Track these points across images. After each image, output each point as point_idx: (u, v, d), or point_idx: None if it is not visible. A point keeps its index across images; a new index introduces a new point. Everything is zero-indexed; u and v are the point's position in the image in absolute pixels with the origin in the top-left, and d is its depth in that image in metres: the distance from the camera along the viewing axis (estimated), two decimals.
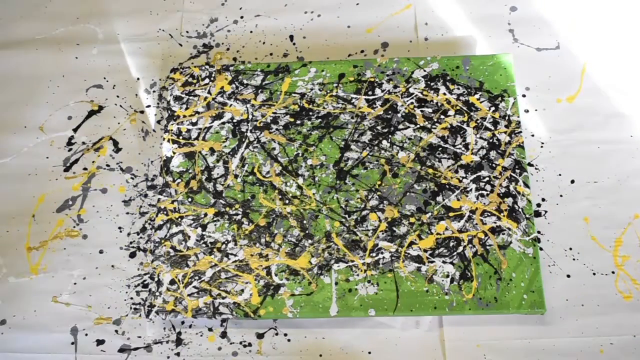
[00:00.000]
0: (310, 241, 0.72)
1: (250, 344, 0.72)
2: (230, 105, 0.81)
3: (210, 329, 0.73)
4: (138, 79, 0.88)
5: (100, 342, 0.73)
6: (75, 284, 0.77)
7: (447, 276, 0.69)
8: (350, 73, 0.81)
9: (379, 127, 0.78)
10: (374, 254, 0.71)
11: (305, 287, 0.70)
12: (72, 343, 0.74)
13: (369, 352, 0.71)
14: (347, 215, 0.73)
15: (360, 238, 0.72)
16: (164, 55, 0.90)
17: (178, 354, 0.72)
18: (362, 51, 0.88)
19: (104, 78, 0.89)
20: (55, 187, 0.82)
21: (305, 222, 0.73)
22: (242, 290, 0.71)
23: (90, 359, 0.73)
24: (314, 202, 0.74)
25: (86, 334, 0.74)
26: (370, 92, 0.80)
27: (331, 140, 0.77)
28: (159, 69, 0.89)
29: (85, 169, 0.83)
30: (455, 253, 0.70)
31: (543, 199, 0.76)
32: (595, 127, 0.80)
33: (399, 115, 0.78)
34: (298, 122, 0.79)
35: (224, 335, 0.73)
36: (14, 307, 0.76)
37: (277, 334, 0.72)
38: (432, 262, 0.70)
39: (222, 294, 0.71)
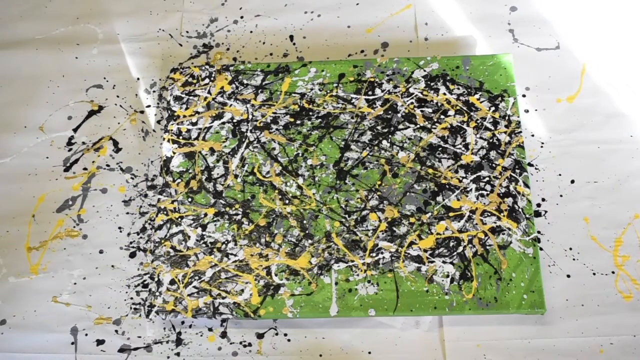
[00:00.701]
0: (310, 241, 0.72)
1: (250, 344, 0.72)
2: (230, 105, 0.81)
3: (210, 329, 0.73)
4: (138, 79, 0.88)
5: (100, 342, 0.73)
6: (75, 284, 0.77)
7: (447, 276, 0.69)
8: (350, 73, 0.81)
9: (379, 127, 0.77)
10: (374, 254, 0.71)
11: (305, 287, 0.70)
12: (72, 343, 0.74)
13: (369, 352, 0.71)
14: (347, 215, 0.73)
15: (360, 238, 0.72)
16: (164, 55, 0.90)
17: (178, 354, 0.72)
18: (362, 51, 0.88)
19: (104, 78, 0.89)
20: (55, 187, 0.82)
21: (305, 222, 0.73)
22: (242, 290, 0.71)
23: (90, 359, 0.73)
24: (314, 202, 0.74)
25: (86, 334, 0.74)
26: (370, 92, 0.80)
27: (331, 140, 0.77)
28: (159, 69, 0.89)
29: (85, 169, 0.83)
30: (455, 253, 0.70)
31: (543, 199, 0.76)
32: (595, 127, 0.80)
33: (399, 115, 0.78)
34: (298, 122, 0.79)
35: (224, 335, 0.73)
36: (14, 307, 0.76)
37: (277, 334, 0.72)
38: (432, 262, 0.70)
39: (222, 294, 0.71)
